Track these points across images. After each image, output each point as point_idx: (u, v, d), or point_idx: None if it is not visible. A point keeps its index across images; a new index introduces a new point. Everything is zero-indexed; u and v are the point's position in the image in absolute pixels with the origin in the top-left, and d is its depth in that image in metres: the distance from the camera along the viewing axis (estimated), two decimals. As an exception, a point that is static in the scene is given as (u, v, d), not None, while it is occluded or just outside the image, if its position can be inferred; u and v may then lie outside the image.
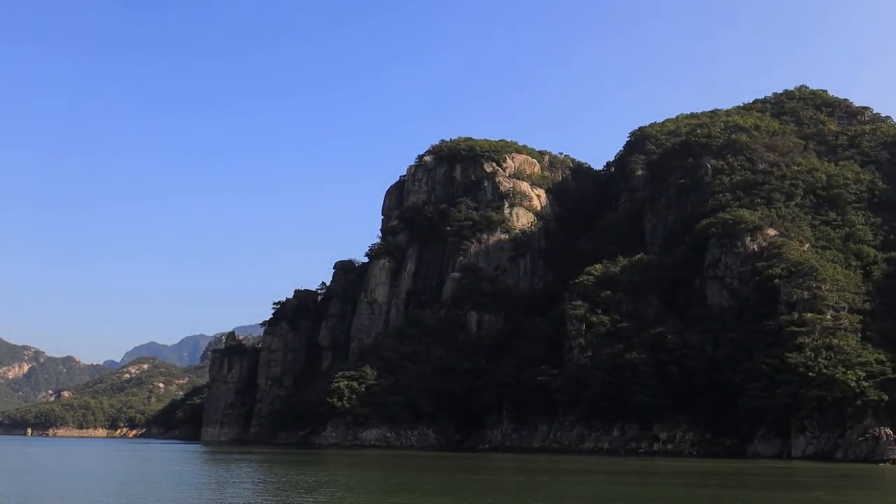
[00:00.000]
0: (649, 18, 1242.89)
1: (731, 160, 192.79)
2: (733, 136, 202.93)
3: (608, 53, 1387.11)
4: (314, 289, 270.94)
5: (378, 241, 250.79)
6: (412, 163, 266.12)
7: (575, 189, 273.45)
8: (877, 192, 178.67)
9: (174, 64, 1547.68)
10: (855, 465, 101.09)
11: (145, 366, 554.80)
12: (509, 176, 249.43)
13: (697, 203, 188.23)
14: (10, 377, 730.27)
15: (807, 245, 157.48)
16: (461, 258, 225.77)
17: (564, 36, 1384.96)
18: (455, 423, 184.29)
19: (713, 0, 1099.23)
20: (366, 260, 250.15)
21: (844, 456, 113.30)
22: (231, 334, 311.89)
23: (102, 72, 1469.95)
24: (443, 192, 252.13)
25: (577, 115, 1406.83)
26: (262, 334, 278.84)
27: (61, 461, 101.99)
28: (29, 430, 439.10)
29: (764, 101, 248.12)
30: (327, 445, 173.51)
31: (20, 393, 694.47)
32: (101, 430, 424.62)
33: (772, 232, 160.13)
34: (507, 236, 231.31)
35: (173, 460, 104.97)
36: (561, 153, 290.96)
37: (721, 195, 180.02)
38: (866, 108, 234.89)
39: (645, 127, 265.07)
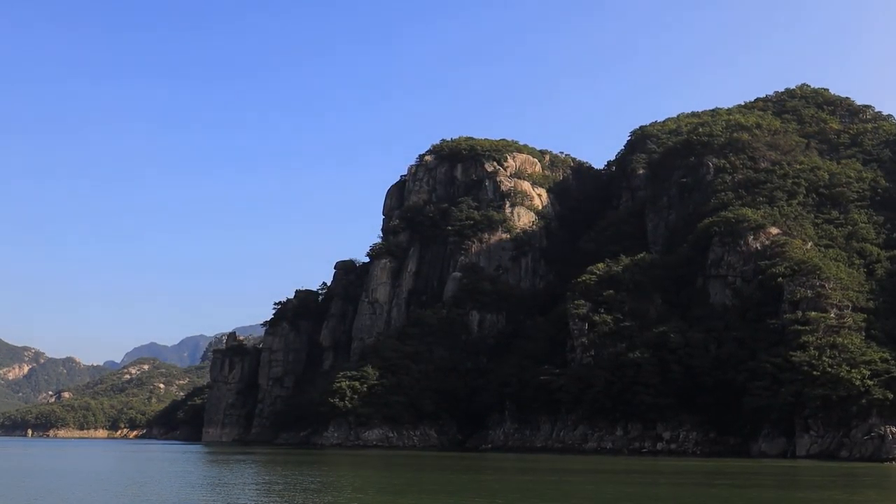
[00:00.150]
0: (650, 17, 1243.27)
1: (732, 159, 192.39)
2: (735, 134, 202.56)
3: (609, 52, 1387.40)
4: (315, 289, 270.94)
5: (379, 240, 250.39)
6: (413, 162, 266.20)
7: (576, 188, 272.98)
8: (879, 190, 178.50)
9: (182, 67, 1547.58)
10: (861, 465, 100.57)
11: (146, 366, 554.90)
12: (510, 175, 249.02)
13: (699, 202, 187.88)
14: (10, 378, 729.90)
15: (809, 243, 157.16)
16: (462, 258, 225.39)
17: (565, 35, 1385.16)
18: (457, 422, 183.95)
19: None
20: (366, 260, 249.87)
21: (849, 455, 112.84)
22: (232, 335, 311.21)
23: (101, 75, 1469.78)
24: (444, 192, 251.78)
25: (578, 115, 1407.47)
26: (262, 335, 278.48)
27: (63, 463, 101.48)
28: (29, 432, 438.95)
29: (765, 99, 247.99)
30: (329, 446, 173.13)
31: (20, 394, 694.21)
32: (101, 430, 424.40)
33: (774, 230, 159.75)
34: (508, 236, 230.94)
35: (176, 461, 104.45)
36: (562, 152, 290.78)
37: (723, 194, 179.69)
38: (868, 107, 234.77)
39: (646, 126, 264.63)
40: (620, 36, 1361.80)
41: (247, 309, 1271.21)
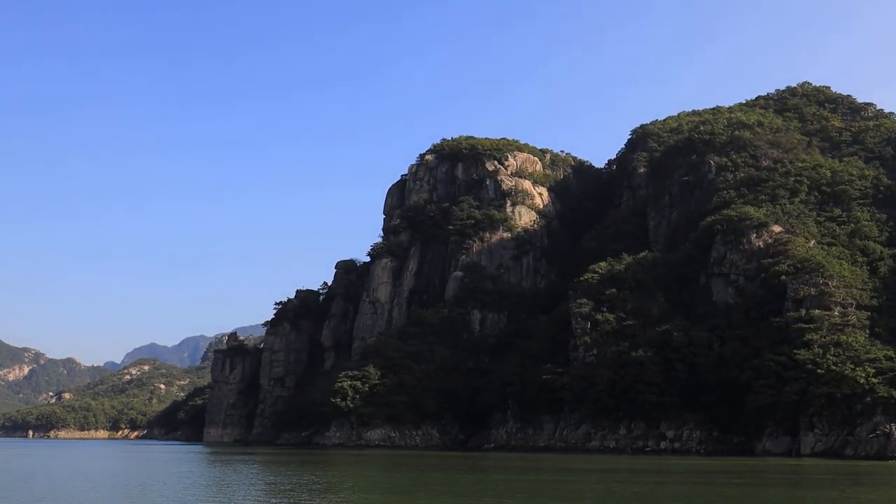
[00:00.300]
0: (650, 16, 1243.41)
1: (734, 157, 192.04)
2: (736, 132, 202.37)
3: (609, 51, 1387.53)
4: (316, 289, 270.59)
5: (380, 240, 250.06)
6: (413, 162, 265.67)
7: (577, 187, 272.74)
8: (881, 187, 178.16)
9: (173, 63, 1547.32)
10: (866, 463, 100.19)
11: (146, 367, 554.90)
12: (511, 174, 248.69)
13: (701, 200, 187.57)
14: (10, 379, 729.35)
15: (812, 241, 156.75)
16: (463, 257, 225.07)
17: (565, 35, 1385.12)
18: (459, 422, 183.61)
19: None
20: (367, 259, 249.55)
21: (854, 453, 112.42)
22: (232, 335, 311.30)
23: (101, 74, 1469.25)
24: (444, 191, 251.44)
25: (579, 113, 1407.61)
26: (263, 335, 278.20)
27: (65, 464, 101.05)
28: (30, 433, 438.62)
29: (767, 97, 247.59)
30: (331, 445, 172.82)
31: (21, 395, 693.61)
32: (102, 431, 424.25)
33: (777, 228, 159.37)
34: (509, 235, 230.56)
35: (177, 462, 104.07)
36: (562, 151, 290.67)
37: (725, 192, 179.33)
38: (870, 104, 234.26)
39: (647, 125, 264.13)
40: (623, 32, 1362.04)
41: (246, 309, 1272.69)
